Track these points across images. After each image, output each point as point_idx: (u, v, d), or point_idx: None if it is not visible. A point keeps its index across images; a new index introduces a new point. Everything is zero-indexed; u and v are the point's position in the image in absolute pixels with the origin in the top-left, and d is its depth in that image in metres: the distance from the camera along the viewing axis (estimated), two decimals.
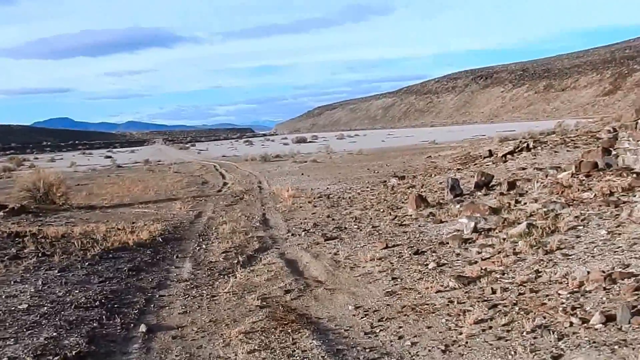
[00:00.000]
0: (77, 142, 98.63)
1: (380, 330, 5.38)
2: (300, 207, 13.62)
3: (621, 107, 67.72)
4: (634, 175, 10.02)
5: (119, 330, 5.77)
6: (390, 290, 6.56)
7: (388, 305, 6.05)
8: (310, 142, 65.55)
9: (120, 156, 54.09)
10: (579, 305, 5.18)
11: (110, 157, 52.39)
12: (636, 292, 5.11)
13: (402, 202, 12.30)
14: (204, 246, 9.87)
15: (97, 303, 6.57)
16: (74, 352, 5.04)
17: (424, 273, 7.03)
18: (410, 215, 10.77)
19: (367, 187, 15.98)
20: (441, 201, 11.67)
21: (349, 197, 14.34)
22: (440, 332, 5.14)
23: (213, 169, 30.01)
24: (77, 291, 7.04)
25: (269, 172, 25.19)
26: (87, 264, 8.44)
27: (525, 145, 17.24)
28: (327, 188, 16.81)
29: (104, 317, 6.10)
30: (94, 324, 5.86)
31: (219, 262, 8.64)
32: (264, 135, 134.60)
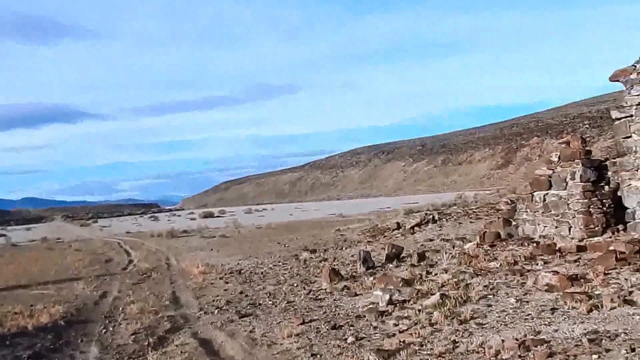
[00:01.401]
0: None
1: None
2: (212, 283, 13.24)
3: (514, 180, 71.99)
4: (534, 244, 10.59)
5: None
6: None
7: None
8: (217, 216, 64.48)
9: (16, 234, 50.64)
10: None
11: (3, 235, 48.79)
12: (549, 359, 5.27)
13: (316, 276, 12.26)
14: (110, 328, 9.33)
15: None
16: None
17: (344, 348, 6.95)
18: (325, 289, 10.72)
19: (279, 262, 15.81)
20: (354, 274, 11.74)
21: (261, 272, 14.12)
22: None
23: (117, 246, 28.69)
24: None
25: (177, 248, 24.45)
26: None
27: (431, 217, 17.85)
28: (238, 263, 16.49)
29: None
30: None
31: (128, 344, 8.19)
32: (170, 210, 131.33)
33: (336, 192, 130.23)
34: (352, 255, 14.67)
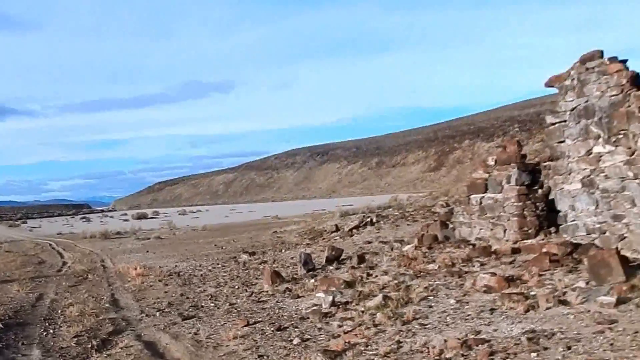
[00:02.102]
0: None
1: None
2: (151, 286, 13.05)
3: (446, 182, 73.80)
4: (471, 246, 10.99)
5: None
6: None
7: None
8: (151, 218, 63.45)
9: None
10: None
11: None
12: (491, 357, 5.54)
13: (256, 278, 12.31)
14: (51, 331, 9.08)
15: None
16: None
17: (290, 349, 7.03)
18: (267, 291, 10.77)
19: (218, 264, 15.74)
20: (295, 276, 11.84)
21: (201, 275, 14.03)
22: None
23: (49, 248, 27.79)
24: None
25: (111, 249, 23.93)
26: None
27: (369, 219, 18.16)
28: (176, 265, 16.31)
29: None
30: None
31: (71, 347, 8.01)
32: (102, 211, 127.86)
33: (271, 194, 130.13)
34: (292, 258, 14.79)
